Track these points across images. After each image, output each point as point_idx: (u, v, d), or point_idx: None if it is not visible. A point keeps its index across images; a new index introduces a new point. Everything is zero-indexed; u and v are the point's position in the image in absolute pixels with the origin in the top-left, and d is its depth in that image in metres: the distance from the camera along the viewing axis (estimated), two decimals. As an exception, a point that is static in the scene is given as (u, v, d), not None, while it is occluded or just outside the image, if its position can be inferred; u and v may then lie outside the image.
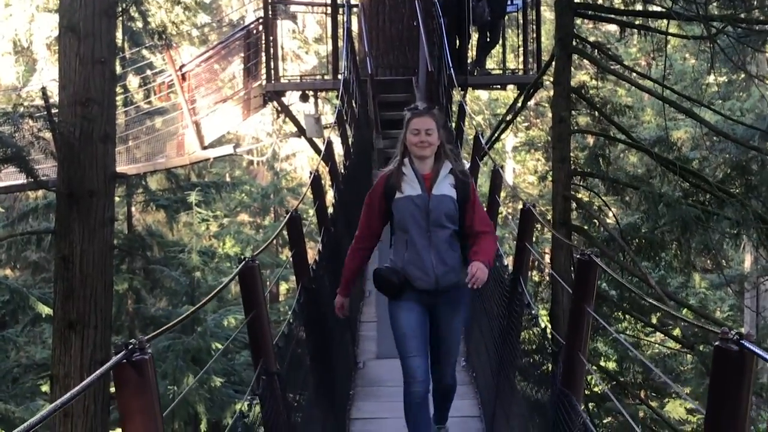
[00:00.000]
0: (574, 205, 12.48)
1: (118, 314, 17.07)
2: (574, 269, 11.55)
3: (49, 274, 18.43)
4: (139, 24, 19.38)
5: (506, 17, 16.24)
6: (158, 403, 2.39)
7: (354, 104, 13.04)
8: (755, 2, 11.83)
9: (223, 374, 18.16)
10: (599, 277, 4.07)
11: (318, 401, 5.68)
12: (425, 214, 5.09)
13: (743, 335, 2.31)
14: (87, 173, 9.16)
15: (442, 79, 13.46)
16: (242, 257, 3.98)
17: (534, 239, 11.23)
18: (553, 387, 4.25)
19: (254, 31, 16.41)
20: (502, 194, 11.27)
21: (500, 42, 16.16)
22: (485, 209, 5.75)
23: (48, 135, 10.15)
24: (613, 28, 25.83)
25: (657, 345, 21.86)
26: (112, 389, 12.76)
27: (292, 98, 16.83)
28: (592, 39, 18.92)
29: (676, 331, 16.11)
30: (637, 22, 12.81)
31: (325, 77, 16.94)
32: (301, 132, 16.74)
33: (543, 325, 4.92)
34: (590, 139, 20.35)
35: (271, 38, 15.82)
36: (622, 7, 12.82)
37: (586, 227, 13.01)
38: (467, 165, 10.00)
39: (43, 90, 11.28)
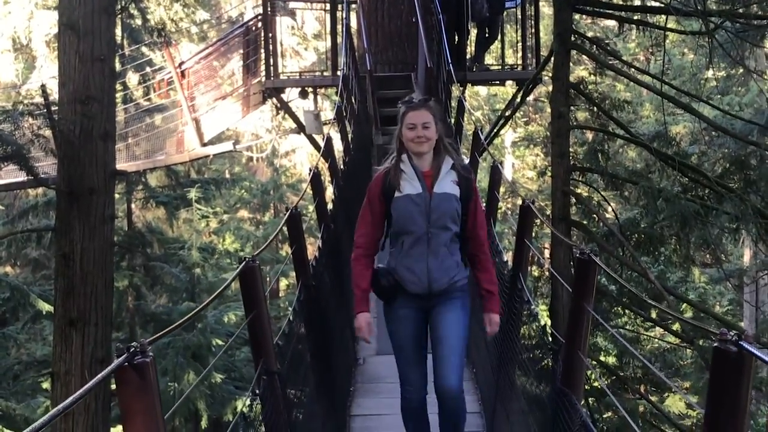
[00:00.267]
0: (573, 200, 12.50)
1: (118, 311, 17.08)
2: (573, 265, 11.58)
3: (49, 271, 18.44)
4: (139, 21, 19.35)
5: (505, 13, 16.24)
6: (159, 405, 2.40)
7: (353, 100, 13.04)
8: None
9: (223, 371, 18.20)
10: (598, 272, 4.05)
11: (318, 398, 5.70)
12: (426, 215, 4.76)
13: (742, 336, 2.33)
14: (87, 171, 9.18)
15: (441, 75, 13.46)
16: (243, 257, 3.99)
17: (534, 234, 11.25)
18: (553, 385, 4.26)
19: (253, 28, 16.41)
20: (501, 190, 11.29)
21: (499, 38, 16.17)
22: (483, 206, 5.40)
23: (48, 133, 10.15)
24: (611, 23, 25.81)
25: (657, 340, 21.90)
26: (113, 386, 12.81)
27: (291, 95, 16.83)
28: (590, 34, 18.90)
29: (676, 326, 16.12)
30: (635, 18, 12.82)
31: (325, 74, 16.94)
32: (300, 128, 16.75)
33: (543, 323, 4.93)
34: (589, 135, 20.36)
35: (270, 35, 15.82)
36: (621, 3, 12.82)
37: (585, 222, 13.03)
38: (466, 161, 10.01)
39: (43, 88, 11.28)
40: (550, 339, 4.74)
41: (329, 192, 9.44)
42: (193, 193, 19.16)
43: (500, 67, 16.95)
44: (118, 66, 13.84)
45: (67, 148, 9.24)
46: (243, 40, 16.42)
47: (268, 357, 4.05)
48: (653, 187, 11.86)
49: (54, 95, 10.90)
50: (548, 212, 15.58)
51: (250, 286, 4.05)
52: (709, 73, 23.05)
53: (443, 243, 4.81)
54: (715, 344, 2.39)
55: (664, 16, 12.62)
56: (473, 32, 15.78)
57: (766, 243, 12.02)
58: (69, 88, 9.24)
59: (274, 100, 16.41)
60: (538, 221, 16.84)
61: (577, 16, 14.18)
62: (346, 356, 7.88)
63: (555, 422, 4.14)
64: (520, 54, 16.30)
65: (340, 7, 15.67)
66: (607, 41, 14.95)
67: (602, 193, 14.12)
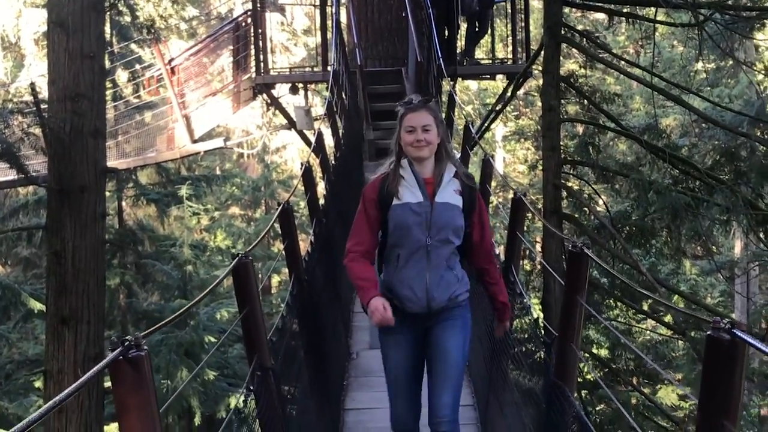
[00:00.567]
0: (564, 193, 12.52)
1: (110, 309, 17.05)
2: (565, 258, 11.60)
3: (40, 270, 18.41)
4: (127, 18, 19.31)
5: (494, 7, 16.26)
6: (155, 399, 2.41)
7: (344, 96, 13.05)
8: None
9: (216, 367, 18.18)
10: (591, 265, 4.07)
11: (312, 392, 5.70)
12: (426, 226, 4.35)
13: (735, 324, 2.34)
14: (78, 168, 9.16)
15: (432, 70, 13.48)
16: (236, 253, 3.99)
17: (525, 228, 11.30)
18: (546, 378, 4.28)
19: (243, 24, 16.39)
20: (493, 184, 11.31)
21: (489, 32, 16.18)
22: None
23: (38, 131, 10.12)
24: (600, 16, 25.83)
25: (648, 332, 21.96)
26: (107, 384, 12.78)
27: (281, 90, 16.82)
28: (580, 28, 18.94)
29: (668, 318, 16.17)
30: (625, 10, 12.83)
31: (315, 69, 16.93)
32: (291, 124, 16.74)
33: (535, 315, 4.94)
34: (580, 128, 20.41)
35: (260, 31, 15.80)
36: (611, -5, 12.83)
37: (576, 215, 13.05)
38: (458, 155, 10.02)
39: (32, 86, 11.25)
40: (543, 332, 4.75)
41: (320, 187, 9.45)
42: (184, 191, 19.14)
43: (491, 61, 16.96)
44: (107, 63, 13.81)
45: (57, 145, 9.22)
46: (233, 36, 16.40)
47: (262, 353, 4.06)
48: (644, 180, 11.88)
49: (43, 93, 10.87)
50: (540, 206, 15.60)
51: (243, 281, 4.05)
52: (699, 66, 23.11)
53: (444, 257, 4.41)
54: (709, 332, 2.40)
55: (653, 9, 12.64)
56: (463, 26, 15.79)
57: (756, 234, 12.05)
58: (59, 86, 9.22)
59: (265, 96, 16.39)
60: (529, 215, 16.87)
61: (566, 10, 14.19)
62: (339, 350, 7.89)
63: (548, 414, 4.16)
64: (510, 48, 16.31)
65: (329, 2, 15.66)
66: (596, 34, 14.95)
67: (593, 186, 14.15)
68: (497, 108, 16.00)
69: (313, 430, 5.66)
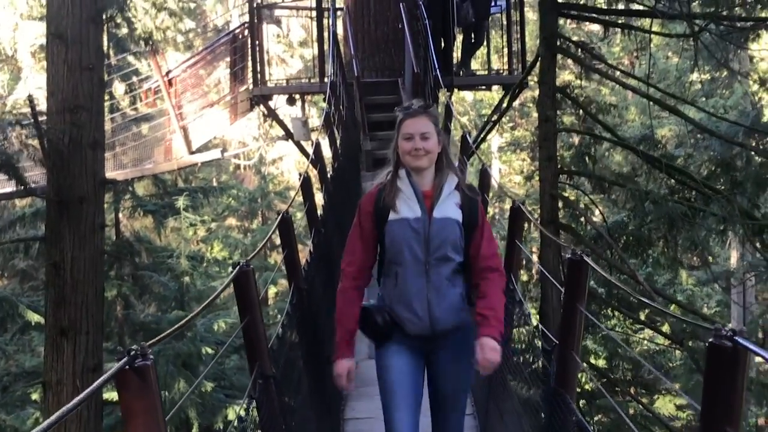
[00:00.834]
0: (561, 203, 12.56)
1: (107, 321, 16.99)
2: (563, 268, 11.64)
3: (37, 282, 18.39)
4: (124, 30, 19.35)
5: (490, 18, 16.32)
6: (160, 406, 2.43)
7: (341, 106, 13.10)
8: (737, 0, 11.94)
9: (213, 378, 18.15)
10: (590, 274, 4.08)
11: (312, 402, 5.71)
12: (424, 243, 4.07)
13: (737, 331, 2.36)
14: (77, 180, 9.18)
15: (429, 80, 13.53)
16: (236, 262, 4.01)
17: (522, 238, 11.33)
18: (547, 386, 4.28)
19: (240, 36, 16.44)
20: (490, 194, 11.32)
21: (484, 43, 16.24)
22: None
23: (36, 142, 10.15)
24: (595, 27, 25.96)
25: (646, 341, 21.99)
26: (105, 395, 12.77)
27: (278, 102, 16.86)
28: (575, 39, 18.99)
29: (665, 327, 16.20)
30: (620, 21, 12.90)
31: (312, 80, 16.97)
32: (288, 135, 16.77)
33: (535, 323, 4.95)
34: (576, 139, 20.49)
35: (258, 42, 15.85)
36: (606, 7, 12.91)
37: (573, 225, 13.09)
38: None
39: (30, 98, 11.28)
40: (543, 340, 4.75)
41: (317, 197, 9.47)
42: (181, 201, 19.14)
43: (486, 72, 17.02)
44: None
45: (56, 157, 9.24)
46: (230, 48, 16.45)
47: (263, 361, 4.07)
48: (640, 190, 11.95)
49: (41, 105, 10.89)
50: (536, 216, 15.65)
51: (244, 290, 4.07)
52: (694, 76, 23.18)
53: (445, 275, 4.10)
54: (711, 340, 2.42)
55: (648, 20, 12.71)
56: (459, 38, 15.85)
57: (753, 243, 12.11)
58: (57, 98, 9.25)
59: (262, 107, 16.43)
60: (526, 225, 16.88)
61: (561, 21, 14.26)
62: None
63: (549, 422, 4.17)
64: (505, 59, 16.37)
65: (326, 14, 15.72)
66: (591, 46, 15.03)
67: (590, 196, 14.20)
68: (493, 119, 16.05)
69: (314, 440, 5.67)
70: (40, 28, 21.35)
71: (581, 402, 14.89)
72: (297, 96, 16.33)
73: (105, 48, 16.19)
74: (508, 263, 5.85)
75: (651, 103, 12.70)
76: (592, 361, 19.94)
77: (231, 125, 17.28)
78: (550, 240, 11.23)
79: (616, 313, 15.73)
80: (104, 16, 9.94)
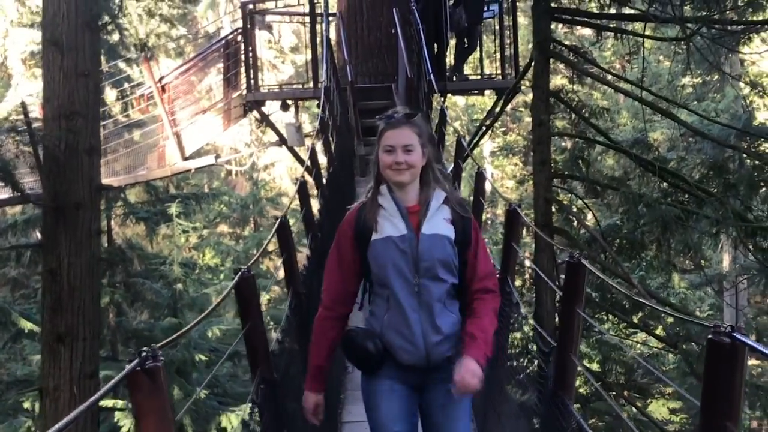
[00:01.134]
0: (555, 207, 12.61)
1: (99, 328, 17.04)
2: (557, 273, 11.70)
3: (28, 290, 18.39)
4: (116, 37, 19.37)
5: (483, 23, 16.39)
6: (170, 406, 2.49)
7: (335, 112, 13.14)
8: (729, 3, 12.02)
9: (207, 386, 18.14)
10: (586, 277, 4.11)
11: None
12: (413, 262, 3.70)
13: (735, 328, 2.41)
14: (73, 186, 9.20)
15: (422, 85, 13.58)
16: (238, 268, 4.04)
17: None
18: (545, 388, 4.31)
19: (233, 42, 16.48)
20: (484, 198, 11.35)
21: (477, 48, 16.31)
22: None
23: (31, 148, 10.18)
24: (587, 32, 26.08)
25: (639, 345, 22.05)
26: (101, 402, 12.77)
27: (271, 108, 16.90)
28: (567, 43, 19.04)
29: (659, 330, 16.27)
30: (612, 25, 12.98)
31: (305, 86, 17.01)
32: (282, 141, 16.80)
33: (532, 324, 4.97)
34: (568, 143, 20.55)
35: (251, 48, 15.88)
36: (599, 11, 12.97)
37: (567, 229, 13.14)
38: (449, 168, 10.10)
39: (23, 105, 11.32)
40: (540, 342, 4.78)
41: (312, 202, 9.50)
42: (173, 208, 19.13)
43: (479, 76, 17.08)
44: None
45: (52, 163, 9.27)
46: (223, 54, 16.48)
47: (265, 366, 4.10)
48: (634, 193, 12.00)
49: (33, 113, 10.90)
50: (530, 220, 15.72)
51: (245, 296, 4.10)
52: (686, 80, 23.30)
53: (437, 298, 3.73)
54: (709, 336, 2.47)
55: (640, 24, 12.78)
56: (452, 42, 15.91)
57: (746, 246, 12.16)
58: (54, 104, 9.27)
59: (255, 113, 16.46)
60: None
61: (553, 26, 14.33)
62: (336, 364, 7.92)
63: (548, 425, 4.20)
64: (498, 63, 16.44)
65: (319, 19, 15.77)
66: (583, 50, 15.10)
67: (584, 200, 14.25)
68: (487, 123, 16.10)
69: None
70: (31, 35, 21.39)
71: (576, 406, 14.94)
72: (290, 102, 16.36)
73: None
74: (505, 266, 5.88)
75: (644, 106, 12.77)
76: (587, 364, 19.98)
77: (224, 131, 17.31)
78: (544, 244, 11.28)
79: (610, 317, 15.78)
80: (99, 23, 9.97)
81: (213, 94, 17.02)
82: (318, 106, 13.52)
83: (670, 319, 17.64)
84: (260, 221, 30.64)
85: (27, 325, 15.44)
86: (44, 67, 9.56)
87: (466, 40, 15.61)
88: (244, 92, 15.95)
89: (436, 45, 15.11)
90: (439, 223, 3.75)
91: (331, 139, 11.32)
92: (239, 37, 16.33)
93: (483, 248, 3.88)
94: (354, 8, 15.94)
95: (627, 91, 14.24)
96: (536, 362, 4.73)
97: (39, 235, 16.27)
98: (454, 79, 15.56)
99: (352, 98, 13.75)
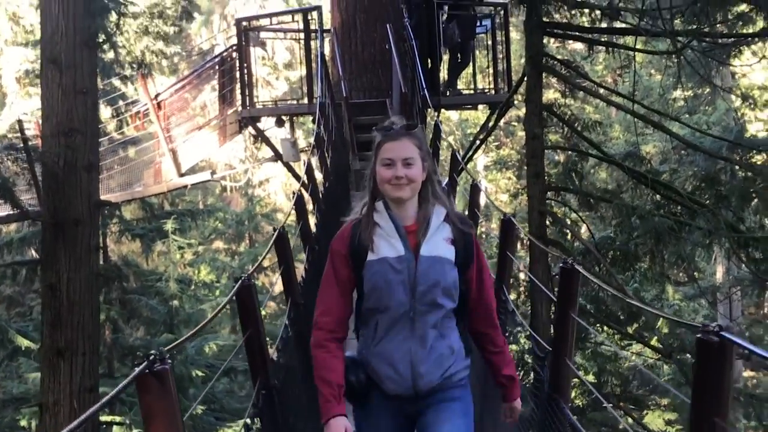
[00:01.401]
0: (549, 220, 12.71)
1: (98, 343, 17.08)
2: (552, 284, 11.78)
3: (24, 308, 18.43)
4: (111, 55, 19.48)
5: (475, 38, 16.50)
6: (178, 407, 2.57)
7: (330, 127, 13.24)
8: (719, 17, 12.14)
9: (203, 401, 18.18)
10: (580, 285, 4.20)
11: (310, 414, 5.80)
12: (409, 287, 3.42)
13: (723, 327, 2.50)
14: (72, 202, 9.29)
15: (416, 101, 13.67)
16: (238, 277, 4.12)
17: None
18: (541, 392, 4.39)
19: (228, 59, 16.58)
20: (479, 211, 11.44)
21: (470, 63, 16.42)
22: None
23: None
24: (579, 46, 26.26)
25: (635, 356, 22.10)
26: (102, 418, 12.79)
27: (266, 124, 16.98)
28: (559, 58, 19.18)
29: (654, 341, 16.34)
30: (604, 39, 13.10)
31: (300, 102, 17.11)
32: (277, 156, 16.87)
33: (527, 332, 5.05)
34: (562, 156, 20.67)
35: (246, 65, 15.99)
36: (590, 26, 13.10)
37: (561, 242, 13.24)
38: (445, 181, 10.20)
39: (20, 123, 11.39)
40: (535, 348, 4.86)
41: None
42: (169, 225, 19.21)
43: (472, 91, 17.19)
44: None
45: (51, 180, 9.35)
46: (218, 70, 16.58)
47: (266, 373, 4.18)
48: (627, 205, 12.11)
49: (30, 130, 10.97)
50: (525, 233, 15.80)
51: (246, 304, 4.18)
52: (677, 93, 23.43)
53: (432, 324, 3.46)
54: (699, 335, 2.56)
55: (632, 37, 12.91)
56: (445, 58, 16.02)
57: (738, 256, 12.26)
58: (52, 121, 9.36)
59: (250, 129, 16.55)
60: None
61: (545, 40, 14.46)
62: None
63: (544, 428, 4.28)
64: (491, 78, 16.54)
65: (313, 35, 15.88)
66: (575, 64, 15.22)
67: (577, 213, 14.35)
68: (480, 137, 16.21)
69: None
70: (25, 54, 21.51)
71: (573, 418, 14.98)
72: (285, 117, 16.45)
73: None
74: (500, 275, 5.97)
75: (636, 119, 12.89)
76: (582, 375, 20.02)
77: (220, 147, 17.40)
78: (538, 256, 11.38)
79: (605, 328, 15.85)
80: (98, 41, 10.06)
81: (208, 111, 17.12)
82: (313, 121, 13.60)
83: (665, 330, 17.73)
84: (255, 237, 30.68)
85: (24, 343, 15.48)
86: (43, 85, 9.66)
87: (459, 55, 15.73)
88: (239, 108, 16.04)
89: (429, 60, 15.22)
90: (439, 243, 3.47)
91: (326, 154, 11.41)
92: (234, 54, 16.44)
93: (485, 267, 3.62)
94: (348, 24, 16.07)
95: (619, 104, 14.37)
96: (532, 372, 4.80)
97: (35, 253, 16.34)
98: (448, 93, 15.67)
99: (346, 113, 13.85)
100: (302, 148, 18.15)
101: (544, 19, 12.29)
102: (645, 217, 11.84)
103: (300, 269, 7.13)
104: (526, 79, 12.13)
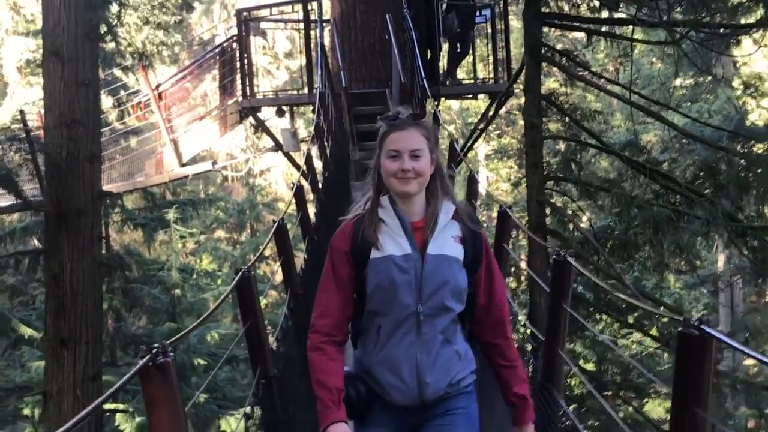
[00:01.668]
0: (548, 209, 12.78)
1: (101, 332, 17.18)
2: (549, 269, 11.84)
3: (26, 297, 18.52)
4: (112, 45, 19.53)
5: (475, 28, 16.55)
6: (180, 396, 2.69)
7: (330, 117, 13.30)
8: (717, 7, 12.18)
9: (206, 390, 18.28)
10: (575, 279, 4.30)
11: (310, 404, 5.88)
12: (416, 288, 3.19)
13: (703, 320, 2.59)
14: (74, 193, 9.38)
15: (416, 90, 13.73)
16: (239, 268, 4.20)
17: (510, 246, 11.52)
18: (533, 381, 4.47)
19: (228, 49, 16.64)
20: (477, 202, 11.50)
21: (470, 52, 16.47)
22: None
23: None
24: (580, 35, 26.24)
25: (634, 344, 22.18)
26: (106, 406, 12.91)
27: (267, 114, 17.04)
28: (559, 46, 19.25)
29: (653, 331, 16.42)
30: (603, 29, 13.15)
31: (300, 92, 17.16)
32: (278, 146, 16.94)
33: (523, 321, 5.13)
34: (562, 145, 20.71)
35: (246, 55, 16.04)
36: (589, 16, 13.15)
37: (560, 231, 13.31)
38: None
39: (22, 113, 11.48)
40: (532, 339, 4.94)
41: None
42: (171, 214, 19.28)
43: (472, 80, 17.23)
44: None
45: (54, 170, 9.44)
46: (219, 61, 16.64)
47: (266, 362, 4.27)
48: (626, 194, 12.17)
49: (32, 121, 11.06)
50: (524, 222, 15.88)
51: (246, 295, 4.27)
52: (678, 82, 23.45)
53: (439, 329, 3.23)
54: (680, 329, 2.65)
55: (631, 27, 12.96)
56: (445, 47, 16.06)
57: (737, 246, 12.33)
58: (55, 113, 9.44)
59: (251, 119, 16.61)
60: (514, 233, 17.09)
61: (546, 29, 14.50)
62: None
63: (537, 417, 4.36)
64: (491, 68, 16.59)
65: (313, 25, 15.92)
66: (576, 53, 15.27)
67: (576, 202, 14.41)
68: (480, 127, 16.27)
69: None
70: (26, 44, 21.56)
71: (572, 406, 15.08)
72: (286, 107, 16.51)
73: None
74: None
75: (635, 108, 12.94)
76: (582, 364, 20.11)
77: (221, 137, 17.47)
78: (537, 246, 11.45)
79: (605, 317, 15.94)
80: (99, 32, 10.12)
81: (209, 101, 17.19)
82: (313, 111, 13.66)
83: (665, 319, 17.82)
84: (257, 226, 30.76)
85: (27, 332, 15.58)
86: (45, 77, 9.74)
87: (458, 44, 15.77)
88: (240, 99, 16.11)
89: (429, 50, 15.26)
90: (447, 241, 3.24)
91: (326, 144, 11.48)
92: (234, 44, 16.49)
93: (496, 269, 3.37)
94: (347, 14, 16.11)
95: (617, 94, 14.42)
96: (529, 356, 4.87)
97: (37, 243, 16.43)
98: (448, 83, 15.72)
99: (346, 103, 13.90)
100: (303, 138, 18.23)
101: (543, 9, 12.34)
102: (643, 206, 11.91)
103: (300, 259, 7.22)
104: (525, 69, 12.19)
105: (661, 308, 15.19)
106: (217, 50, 17.09)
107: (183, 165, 16.25)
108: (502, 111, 22.34)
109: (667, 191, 12.40)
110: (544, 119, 12.43)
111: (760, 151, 13.46)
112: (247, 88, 16.03)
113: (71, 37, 9.24)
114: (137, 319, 20.64)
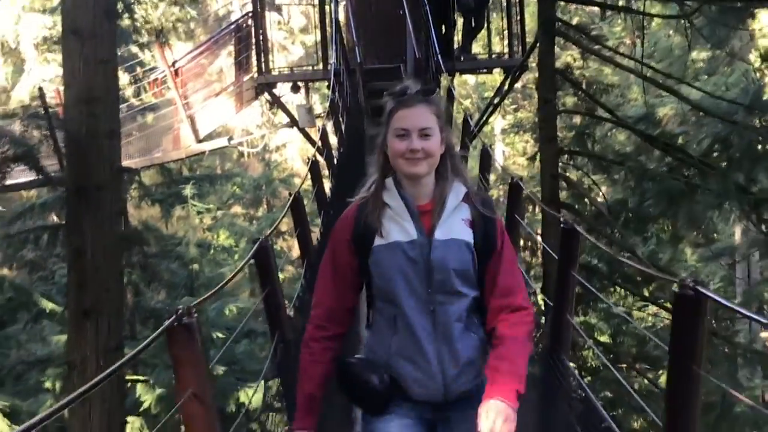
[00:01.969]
0: (563, 184, 12.84)
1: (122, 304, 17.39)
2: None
3: (45, 272, 18.72)
4: (128, 22, 19.64)
5: (490, 2, 16.58)
6: (203, 354, 2.84)
7: (345, 93, 13.40)
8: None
9: (225, 363, 18.49)
10: (588, 251, 4.42)
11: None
12: (425, 274, 2.99)
13: (698, 281, 2.71)
14: (94, 168, 9.51)
15: (430, 66, 13.80)
16: (256, 237, 4.35)
17: (525, 220, 11.58)
18: (543, 345, 4.60)
19: (244, 25, 16.73)
20: (492, 177, 11.64)
21: (485, 26, 16.51)
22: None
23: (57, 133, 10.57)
24: (596, 9, 26.13)
25: (650, 317, 22.24)
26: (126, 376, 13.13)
27: (282, 89, 17.15)
28: (576, 19, 19.23)
29: (668, 304, 16.45)
30: (619, 3, 13.15)
31: (315, 68, 17.25)
32: (293, 122, 17.05)
33: (533, 289, 5.25)
34: (577, 119, 20.71)
35: (261, 31, 16.12)
36: (602, -10, 13.17)
37: (574, 205, 13.37)
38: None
39: (41, 90, 11.63)
40: (542, 305, 5.07)
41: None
42: (188, 190, 19.44)
43: (487, 55, 17.28)
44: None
45: (73, 147, 9.59)
46: (234, 37, 16.74)
47: (284, 327, 4.42)
48: (640, 167, 12.21)
49: (50, 98, 11.20)
50: (538, 196, 15.96)
51: (264, 263, 4.42)
52: (695, 54, 23.33)
53: (455, 317, 3.02)
54: (676, 290, 2.77)
55: (644, 1, 12.97)
56: (459, 22, 16.11)
57: (750, 219, 12.36)
58: (74, 90, 9.56)
59: (267, 95, 16.72)
60: (530, 207, 17.17)
61: (562, 2, 14.49)
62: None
63: (545, 380, 4.50)
64: (506, 42, 16.62)
65: (327, 0, 15.98)
66: (592, 26, 15.28)
67: (591, 176, 14.46)
68: (495, 101, 16.33)
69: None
70: (43, 20, 21.67)
71: (586, 378, 15.19)
72: (301, 83, 16.60)
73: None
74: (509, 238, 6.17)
75: (648, 83, 12.96)
76: (597, 336, 20.20)
77: (237, 113, 17.61)
78: (551, 219, 11.53)
79: (619, 290, 15.99)
80: (117, 10, 10.23)
81: (224, 77, 17.30)
82: (328, 87, 13.77)
83: (675, 287, 17.79)
84: (273, 202, 30.90)
85: (48, 306, 15.78)
86: (64, 55, 9.85)
87: (473, 19, 15.81)
88: (256, 75, 16.21)
89: (443, 25, 15.31)
90: (455, 224, 3.03)
91: (341, 119, 11.58)
92: (250, 21, 16.58)
93: (509, 255, 3.11)
94: (362, -10, 16.17)
95: (632, 69, 14.41)
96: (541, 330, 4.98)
97: (56, 218, 16.62)
98: (462, 58, 15.77)
99: (361, 79, 13.99)
100: (318, 113, 18.34)
101: (557, -16, 12.37)
102: (657, 179, 11.96)
103: (316, 233, 7.36)
104: (538, 44, 12.23)
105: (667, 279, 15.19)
106: (233, 26, 17.20)
107: (199, 141, 16.41)
108: (519, 85, 22.35)
109: (681, 164, 12.43)
110: (559, 93, 12.47)
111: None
112: (263, 64, 16.13)
113: (90, 16, 9.34)
114: (156, 294, 20.83)
